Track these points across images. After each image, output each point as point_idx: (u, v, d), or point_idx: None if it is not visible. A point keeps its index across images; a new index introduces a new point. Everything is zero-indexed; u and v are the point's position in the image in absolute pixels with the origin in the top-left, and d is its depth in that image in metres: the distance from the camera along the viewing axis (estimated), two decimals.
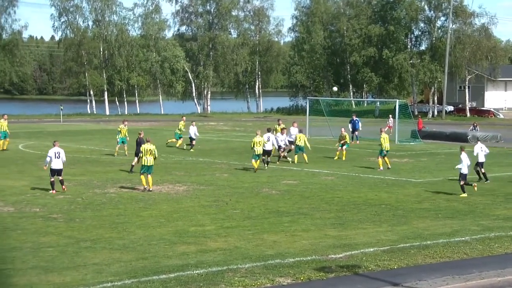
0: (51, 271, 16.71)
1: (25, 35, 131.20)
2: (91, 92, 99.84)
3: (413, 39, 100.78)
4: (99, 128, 67.78)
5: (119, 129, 42.79)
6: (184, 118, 50.00)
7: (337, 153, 42.57)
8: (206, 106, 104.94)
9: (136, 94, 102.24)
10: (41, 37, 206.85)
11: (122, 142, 42.46)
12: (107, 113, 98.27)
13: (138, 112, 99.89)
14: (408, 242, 20.07)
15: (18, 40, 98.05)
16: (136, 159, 34.48)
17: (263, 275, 16.49)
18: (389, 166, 37.50)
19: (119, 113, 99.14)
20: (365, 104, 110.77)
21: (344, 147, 42.31)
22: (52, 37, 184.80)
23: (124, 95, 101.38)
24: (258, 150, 36.09)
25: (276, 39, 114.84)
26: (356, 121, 54.37)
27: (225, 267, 17.09)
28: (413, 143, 54.43)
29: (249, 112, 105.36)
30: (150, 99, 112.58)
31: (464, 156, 29.40)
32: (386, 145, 37.65)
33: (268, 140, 37.35)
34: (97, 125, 70.93)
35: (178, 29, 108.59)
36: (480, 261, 18.23)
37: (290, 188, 30.48)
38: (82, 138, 49.67)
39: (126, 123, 43.60)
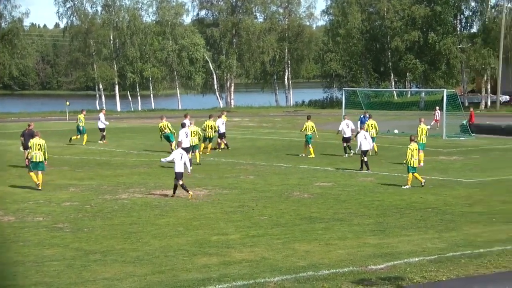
0: None
1: (26, 23, 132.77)
2: (100, 86, 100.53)
3: (463, 21, 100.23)
4: (109, 126, 67.95)
5: (160, 125, 44.27)
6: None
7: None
8: (229, 100, 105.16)
9: (151, 88, 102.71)
10: (44, 25, 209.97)
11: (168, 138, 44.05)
12: (118, 109, 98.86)
13: (153, 107, 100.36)
14: (458, 250, 19.97)
15: (18, 29, 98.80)
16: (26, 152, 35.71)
17: None
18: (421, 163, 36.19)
19: (132, 109, 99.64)
20: (409, 95, 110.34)
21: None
22: (57, 25, 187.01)
23: (137, 89, 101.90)
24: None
25: (308, 23, 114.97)
26: (365, 119, 48.81)
27: (252, 280, 17.11)
28: (463, 138, 54.16)
29: (278, 106, 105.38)
30: (167, 93, 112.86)
31: None
32: (421, 137, 37.70)
33: None
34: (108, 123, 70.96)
35: (197, 14, 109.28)
36: None
37: (324, 191, 30.47)
38: (91, 138, 49.96)
39: (165, 118, 44.70)
